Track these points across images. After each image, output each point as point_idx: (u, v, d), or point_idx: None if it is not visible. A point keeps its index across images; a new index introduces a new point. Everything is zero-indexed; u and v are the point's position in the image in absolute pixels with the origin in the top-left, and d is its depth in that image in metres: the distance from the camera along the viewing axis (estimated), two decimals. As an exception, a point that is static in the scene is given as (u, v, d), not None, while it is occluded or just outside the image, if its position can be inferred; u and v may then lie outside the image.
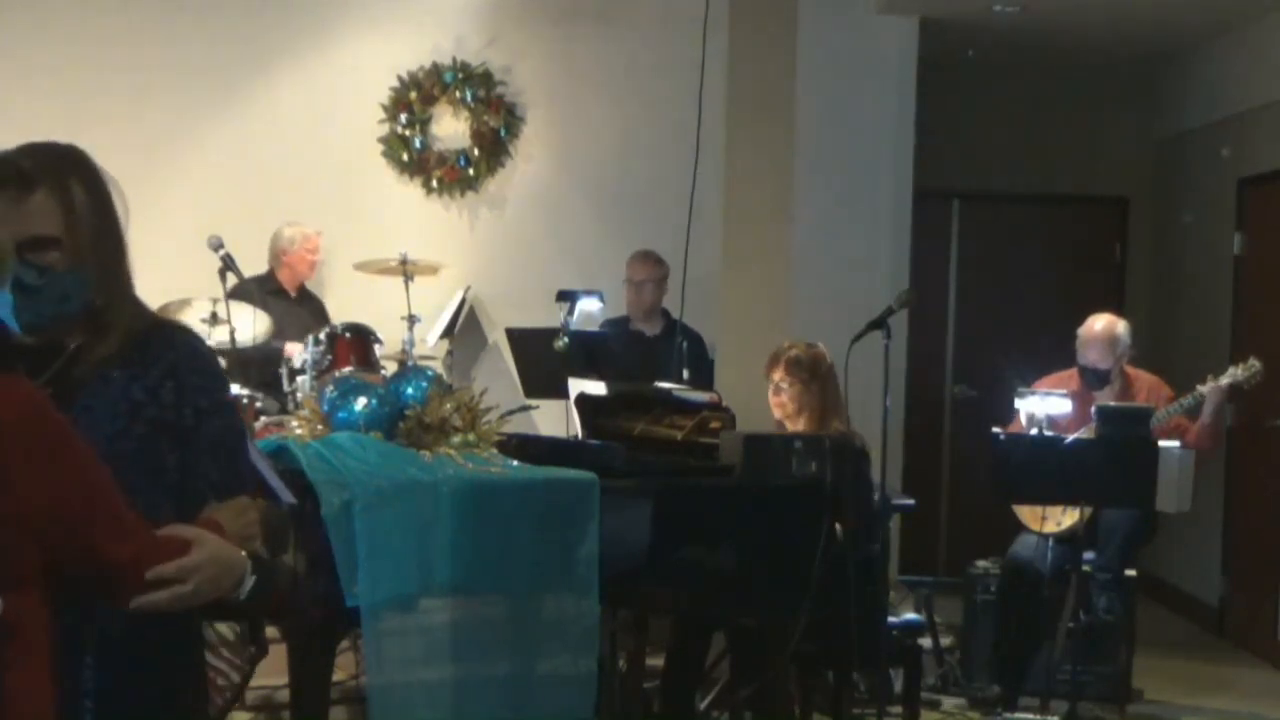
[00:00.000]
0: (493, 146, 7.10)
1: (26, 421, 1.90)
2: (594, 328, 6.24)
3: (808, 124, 6.24)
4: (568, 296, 5.99)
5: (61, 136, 2.31)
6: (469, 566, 3.72)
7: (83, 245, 2.15)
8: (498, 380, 6.26)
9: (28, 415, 1.90)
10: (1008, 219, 8.60)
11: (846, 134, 7.08)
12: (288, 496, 2.86)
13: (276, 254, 6.70)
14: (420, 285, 6.47)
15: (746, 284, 5.72)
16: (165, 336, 2.23)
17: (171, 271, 6.04)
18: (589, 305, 6.14)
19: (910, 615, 5.37)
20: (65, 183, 2.15)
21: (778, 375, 4.97)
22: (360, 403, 3.95)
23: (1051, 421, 5.41)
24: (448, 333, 6.77)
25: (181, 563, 1.99)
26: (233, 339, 5.79)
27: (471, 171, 7.08)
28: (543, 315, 6.13)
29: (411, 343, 6.30)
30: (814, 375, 4.93)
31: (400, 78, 7.08)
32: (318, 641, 3.74)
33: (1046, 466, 5.23)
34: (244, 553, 2.12)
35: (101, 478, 1.96)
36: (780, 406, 4.99)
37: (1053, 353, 6.23)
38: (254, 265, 6.41)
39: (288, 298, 6.67)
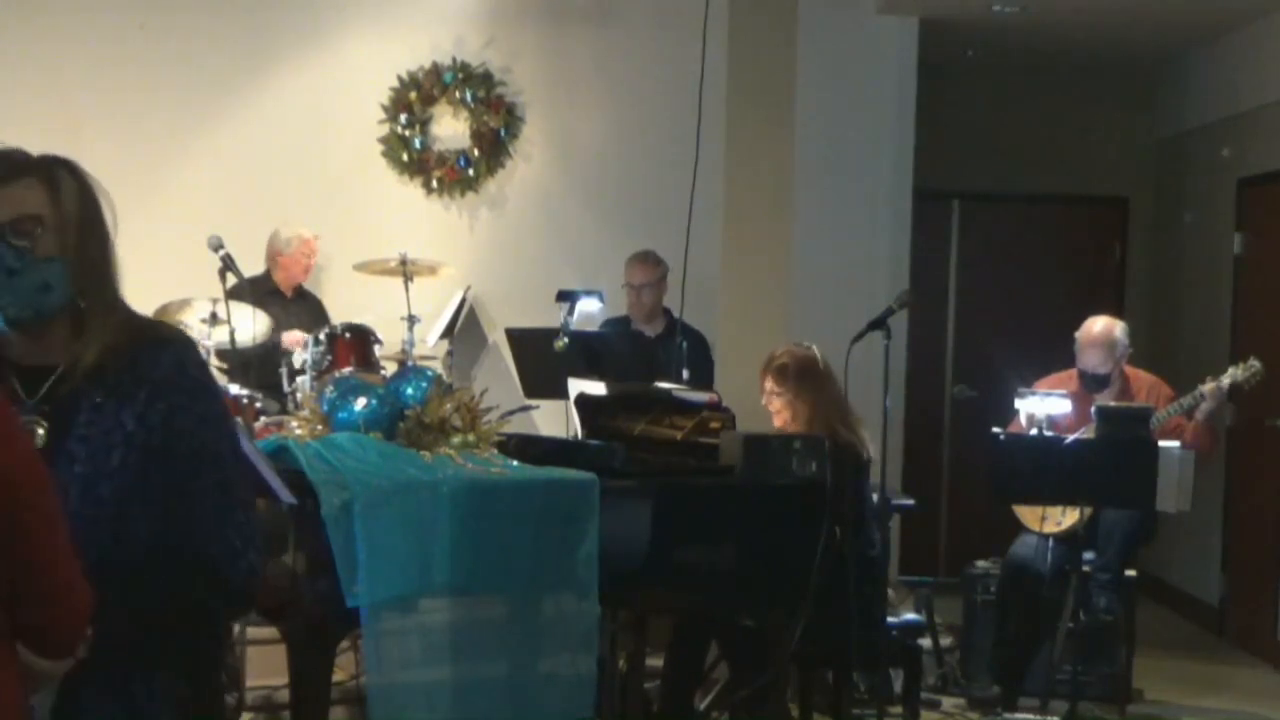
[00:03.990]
0: (493, 146, 7.10)
1: None
2: (594, 328, 6.23)
3: (808, 124, 6.23)
4: (568, 296, 5.98)
5: (61, 136, 2.33)
6: (469, 566, 3.72)
7: (67, 233, 2.12)
8: (498, 380, 6.25)
9: None
10: (1008, 219, 8.60)
11: (846, 134, 7.09)
12: (287, 496, 2.86)
13: (272, 255, 6.68)
14: (420, 285, 6.46)
15: (746, 284, 5.71)
16: (152, 356, 2.18)
17: (171, 271, 6.04)
18: (589, 305, 6.13)
19: (910, 615, 5.36)
20: (54, 172, 2.15)
21: (768, 384, 4.89)
22: (360, 403, 3.94)
23: (1051, 422, 5.40)
24: (448, 333, 6.77)
25: None
26: (233, 339, 5.78)
27: (471, 171, 7.08)
28: (543, 315, 6.13)
29: (411, 343, 6.29)
30: (802, 382, 4.83)
31: (400, 78, 7.07)
32: (318, 641, 3.74)
33: (1046, 466, 5.22)
34: None
35: (54, 504, 1.93)
36: (777, 414, 4.92)
37: (1053, 353, 6.23)
38: (254, 266, 6.41)
39: (284, 298, 6.66)
